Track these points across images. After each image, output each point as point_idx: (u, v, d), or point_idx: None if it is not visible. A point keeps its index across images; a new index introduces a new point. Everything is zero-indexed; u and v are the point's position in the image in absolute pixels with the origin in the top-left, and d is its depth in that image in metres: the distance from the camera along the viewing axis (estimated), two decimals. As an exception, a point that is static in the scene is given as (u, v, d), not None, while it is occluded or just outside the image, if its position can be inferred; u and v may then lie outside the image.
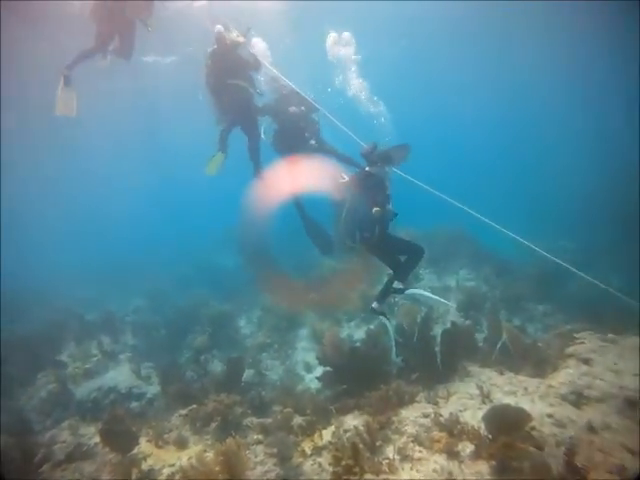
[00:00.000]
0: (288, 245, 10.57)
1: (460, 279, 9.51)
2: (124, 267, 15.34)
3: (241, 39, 6.19)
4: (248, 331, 9.02)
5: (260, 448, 4.65)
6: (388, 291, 4.95)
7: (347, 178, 4.99)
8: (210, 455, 4.57)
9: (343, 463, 3.84)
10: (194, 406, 5.56)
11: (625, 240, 11.19)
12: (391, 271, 5.14)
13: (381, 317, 5.04)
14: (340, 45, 7.05)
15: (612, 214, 12.29)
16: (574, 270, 5.06)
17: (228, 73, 6.27)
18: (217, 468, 3.89)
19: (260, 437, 4.80)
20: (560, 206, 16.57)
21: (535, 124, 28.04)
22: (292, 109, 6.43)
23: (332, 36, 7.08)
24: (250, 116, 6.63)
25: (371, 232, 4.73)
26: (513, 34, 16.96)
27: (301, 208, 6.70)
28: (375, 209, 4.58)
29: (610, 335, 5.61)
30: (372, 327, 7.18)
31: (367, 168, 5.00)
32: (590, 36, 15.98)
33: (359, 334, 7.54)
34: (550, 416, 4.25)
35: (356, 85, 6.67)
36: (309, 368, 7.03)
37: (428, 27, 16.06)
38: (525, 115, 27.74)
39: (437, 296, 5.03)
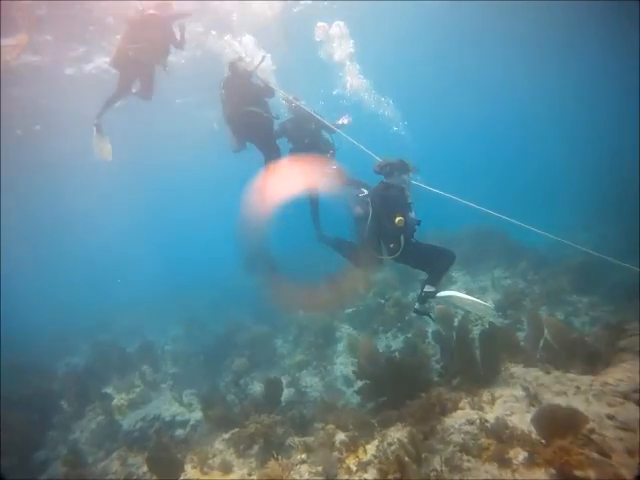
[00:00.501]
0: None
1: (495, 278, 9.22)
2: (158, 298, 15.74)
3: (251, 68, 6.34)
4: (285, 351, 9.01)
5: (304, 467, 4.56)
6: (428, 290, 4.84)
7: (367, 192, 4.97)
8: (255, 478, 4.56)
9: (390, 478, 3.73)
10: (236, 429, 5.55)
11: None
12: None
13: (425, 317, 5.06)
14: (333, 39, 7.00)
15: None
16: (613, 260, 4.85)
17: (243, 101, 6.42)
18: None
19: (304, 456, 4.72)
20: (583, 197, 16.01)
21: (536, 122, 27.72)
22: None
23: (321, 27, 7.04)
24: (268, 141, 6.75)
25: (397, 243, 4.66)
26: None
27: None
28: (398, 219, 4.52)
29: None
30: (409, 335, 7.03)
31: (385, 180, 4.96)
32: (581, 33, 15.78)
33: (397, 344, 7.38)
34: (611, 417, 3.96)
35: (358, 84, 6.62)
36: (349, 382, 6.91)
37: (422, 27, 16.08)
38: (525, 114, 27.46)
39: (473, 297, 4.80)
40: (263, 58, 6.41)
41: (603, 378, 4.57)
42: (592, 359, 4.95)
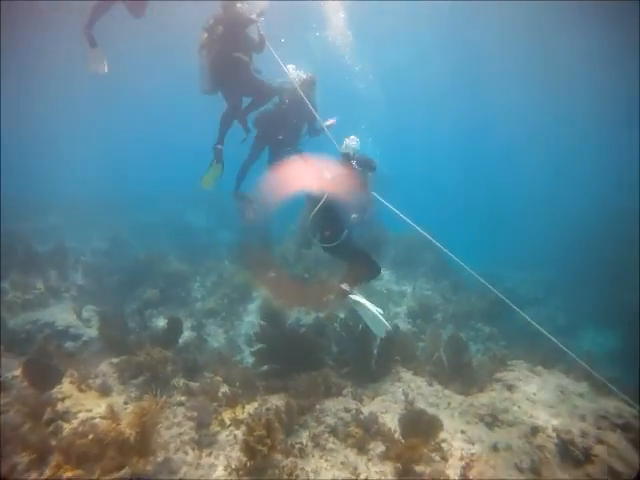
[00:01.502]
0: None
1: (417, 287, 9.68)
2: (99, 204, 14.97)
3: (255, 17, 6.06)
4: (199, 295, 8.96)
5: (181, 410, 4.64)
6: (355, 277, 4.97)
7: (330, 175, 4.92)
8: (129, 407, 4.58)
9: (256, 433, 3.89)
10: (126, 356, 5.50)
11: (591, 281, 11.77)
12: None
13: (351, 297, 4.91)
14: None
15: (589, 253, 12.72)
16: (512, 305, 5.24)
17: (235, 45, 6.18)
18: (130, 421, 3.87)
19: (183, 399, 4.79)
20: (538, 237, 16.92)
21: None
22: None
23: None
24: (245, 89, 6.58)
25: (336, 235, 4.68)
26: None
27: None
28: (354, 216, 4.57)
29: (539, 367, 5.87)
30: (321, 315, 7.25)
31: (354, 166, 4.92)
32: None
33: (307, 320, 7.58)
34: (463, 432, 4.44)
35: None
36: (250, 342, 7.02)
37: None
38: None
39: (379, 311, 4.80)
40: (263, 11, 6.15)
41: (472, 400, 5.05)
42: (470, 383, 5.44)
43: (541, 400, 5.07)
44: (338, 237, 4.70)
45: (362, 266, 4.96)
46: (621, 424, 4.47)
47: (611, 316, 10.77)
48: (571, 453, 4.12)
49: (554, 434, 4.37)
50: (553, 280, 13.15)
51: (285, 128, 6.38)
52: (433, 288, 9.72)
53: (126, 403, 4.77)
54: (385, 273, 9.68)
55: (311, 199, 4.90)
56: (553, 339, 5.24)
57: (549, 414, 4.78)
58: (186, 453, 4.08)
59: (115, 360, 5.60)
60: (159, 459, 3.92)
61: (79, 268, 9.61)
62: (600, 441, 4.23)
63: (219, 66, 6.25)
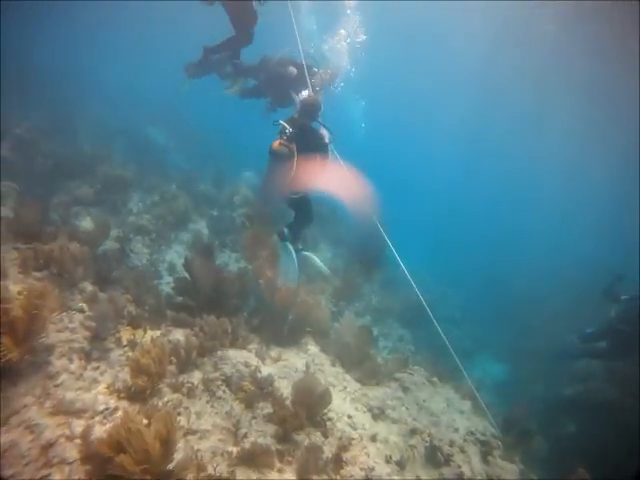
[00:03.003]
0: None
1: (350, 269, 9.75)
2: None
3: None
4: (135, 209, 8.45)
5: (79, 317, 4.38)
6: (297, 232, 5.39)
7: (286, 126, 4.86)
8: (21, 295, 4.24)
9: (148, 359, 3.77)
10: (36, 244, 5.07)
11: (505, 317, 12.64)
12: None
13: (286, 243, 5.40)
14: None
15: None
16: (430, 313, 5.54)
17: None
18: (19, 311, 3.59)
19: (85, 307, 4.52)
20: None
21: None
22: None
23: None
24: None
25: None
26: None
27: None
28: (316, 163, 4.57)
29: (435, 378, 6.21)
30: (250, 267, 7.14)
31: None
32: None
33: (234, 266, 7.43)
34: (350, 417, 4.58)
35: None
36: (172, 271, 6.77)
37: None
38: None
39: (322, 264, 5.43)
40: None
41: (366, 391, 5.23)
42: (371, 375, 5.62)
43: (427, 407, 5.38)
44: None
45: (308, 217, 5.41)
46: (482, 440, 5.02)
47: (508, 353, 11.69)
48: (436, 457, 4.47)
49: (428, 438, 4.66)
50: (474, 306, 13.94)
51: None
52: (366, 280, 9.86)
53: (19, 294, 4.42)
54: (323, 247, 9.67)
55: (282, 157, 4.82)
56: (455, 358, 5.67)
57: (430, 421, 5.09)
58: (71, 361, 3.87)
59: (22, 246, 5.16)
60: (39, 359, 3.69)
61: (8, 139, 8.67)
62: (462, 450, 4.70)
63: None
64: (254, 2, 6.80)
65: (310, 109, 5.10)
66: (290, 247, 5.25)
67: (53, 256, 4.82)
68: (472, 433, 5.18)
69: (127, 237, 7.29)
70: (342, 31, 6.53)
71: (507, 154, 29.16)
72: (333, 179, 4.95)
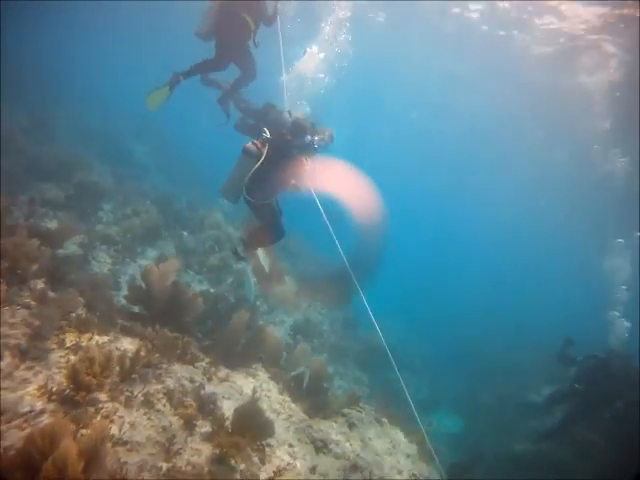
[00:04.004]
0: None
1: (313, 305, 9.75)
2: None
3: None
4: (105, 218, 8.35)
5: (24, 313, 4.23)
6: (253, 242, 5.32)
7: (270, 136, 4.92)
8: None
9: (88, 364, 3.66)
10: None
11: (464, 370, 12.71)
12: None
13: (243, 262, 5.56)
14: None
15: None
16: (390, 357, 5.46)
17: (247, 6, 6.11)
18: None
19: (33, 304, 4.38)
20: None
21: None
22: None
23: None
24: (235, 55, 6.52)
25: (265, 195, 4.82)
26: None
27: None
28: (293, 182, 4.65)
29: (384, 419, 6.15)
30: (212, 290, 7.09)
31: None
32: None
33: (200, 286, 7.36)
34: (291, 446, 4.51)
35: None
36: (133, 282, 6.62)
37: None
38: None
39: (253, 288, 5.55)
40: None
41: (312, 423, 5.14)
42: (318, 407, 5.52)
43: (372, 446, 5.31)
44: (266, 199, 4.86)
45: (268, 229, 5.18)
46: None
47: (463, 406, 11.67)
48: (374, 497, 4.36)
49: (369, 476, 4.58)
50: (434, 356, 13.98)
51: None
52: (326, 314, 9.86)
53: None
54: (287, 279, 9.66)
55: (249, 153, 4.89)
56: (409, 399, 5.58)
57: (373, 460, 5.01)
58: (3, 358, 3.70)
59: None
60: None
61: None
62: None
63: (223, 18, 6.14)
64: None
65: (298, 128, 5.11)
66: (246, 267, 5.29)
67: (8, 250, 4.70)
68: (415, 476, 5.12)
69: (92, 245, 7.15)
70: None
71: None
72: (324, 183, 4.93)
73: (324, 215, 4.69)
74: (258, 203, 4.84)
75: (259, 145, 4.82)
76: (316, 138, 4.95)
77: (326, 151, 5.32)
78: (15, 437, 2.99)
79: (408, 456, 5.62)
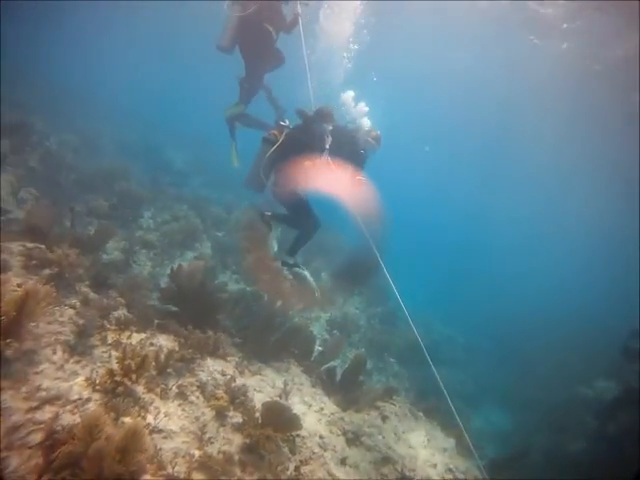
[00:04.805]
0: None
1: (349, 301, 9.79)
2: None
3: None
4: (145, 224, 8.81)
5: (70, 312, 4.57)
6: (296, 246, 5.35)
7: (288, 123, 5.06)
8: (17, 293, 4.48)
9: (126, 362, 3.91)
10: (41, 246, 5.37)
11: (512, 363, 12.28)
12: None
13: (295, 269, 5.41)
14: None
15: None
16: (427, 357, 5.36)
17: (268, 15, 6.24)
18: (11, 299, 3.81)
19: (78, 304, 4.73)
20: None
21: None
22: None
23: None
24: (259, 62, 6.64)
25: (281, 183, 4.97)
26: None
27: None
28: (307, 162, 4.70)
29: (420, 413, 6.09)
30: (249, 289, 7.29)
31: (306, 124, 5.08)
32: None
33: (232, 287, 7.58)
34: (322, 437, 4.58)
35: None
36: (171, 285, 6.97)
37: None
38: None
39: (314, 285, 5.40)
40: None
41: (344, 415, 5.19)
42: (352, 401, 5.58)
43: (406, 439, 5.29)
44: (285, 186, 4.94)
45: (305, 220, 5.23)
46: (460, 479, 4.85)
47: (513, 402, 11.27)
48: (405, 490, 4.35)
49: (401, 469, 4.57)
50: (478, 348, 13.61)
51: None
52: (364, 309, 9.87)
53: (19, 286, 4.67)
54: (323, 275, 9.74)
55: (267, 141, 5.05)
56: (446, 395, 5.46)
57: (405, 452, 4.99)
58: (54, 352, 4.03)
59: (30, 245, 5.46)
60: (24, 347, 3.87)
61: (38, 150, 9.27)
62: None
63: (245, 29, 6.25)
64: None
65: (323, 115, 5.04)
66: (296, 270, 5.35)
67: (55, 258, 5.10)
68: (451, 470, 5.04)
69: (132, 250, 7.58)
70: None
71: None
72: (332, 181, 4.92)
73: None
74: (278, 190, 4.95)
75: (277, 133, 4.95)
76: (364, 138, 5.11)
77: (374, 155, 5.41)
78: (68, 419, 3.33)
79: (445, 450, 5.53)
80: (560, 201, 25.98)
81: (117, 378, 3.87)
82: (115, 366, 3.95)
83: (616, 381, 9.84)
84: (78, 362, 4.08)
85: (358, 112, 5.28)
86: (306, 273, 5.43)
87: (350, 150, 5.24)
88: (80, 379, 3.89)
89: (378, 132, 5.36)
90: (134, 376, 3.96)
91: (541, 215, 28.25)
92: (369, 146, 5.31)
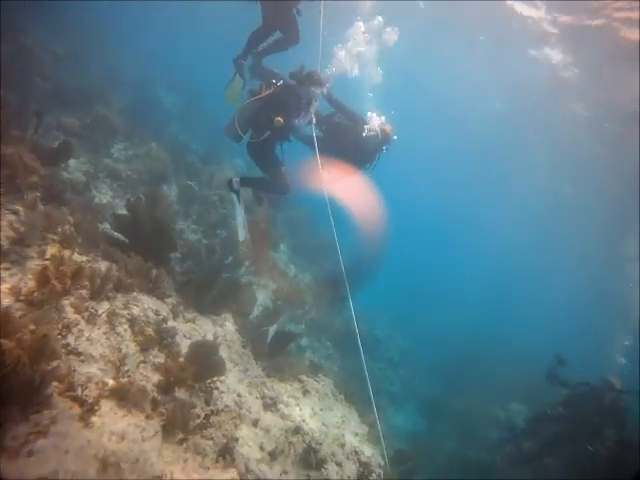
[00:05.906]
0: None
1: (298, 277, 9.87)
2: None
3: None
4: (116, 155, 8.38)
5: (11, 218, 4.38)
6: (251, 182, 5.47)
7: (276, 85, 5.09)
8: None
9: (60, 273, 3.81)
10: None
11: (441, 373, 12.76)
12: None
13: (233, 194, 5.42)
14: None
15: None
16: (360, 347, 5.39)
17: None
18: None
19: (22, 211, 4.53)
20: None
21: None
22: None
23: None
24: (279, 21, 6.57)
25: (259, 133, 4.97)
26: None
27: None
28: (277, 119, 4.70)
29: (342, 396, 6.29)
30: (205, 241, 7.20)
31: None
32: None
33: (188, 237, 7.48)
34: (240, 395, 4.63)
35: None
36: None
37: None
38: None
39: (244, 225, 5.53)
40: None
41: (267, 380, 5.28)
42: (277, 368, 5.67)
43: (322, 416, 5.43)
44: (261, 134, 4.95)
45: (274, 180, 5.25)
46: (364, 462, 5.11)
47: (432, 410, 11.76)
48: (309, 460, 4.51)
49: (309, 441, 4.70)
50: (415, 354, 14.04)
51: None
52: (314, 289, 9.87)
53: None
54: (282, 247, 9.76)
55: (251, 91, 5.19)
56: (369, 383, 5.62)
57: (318, 428, 5.13)
58: (-19, 253, 3.88)
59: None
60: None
61: (11, 45, 8.64)
62: (338, 464, 4.79)
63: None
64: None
65: (312, 79, 5.05)
66: (235, 198, 5.37)
67: (9, 158, 4.86)
68: (357, 453, 5.23)
69: (96, 176, 7.32)
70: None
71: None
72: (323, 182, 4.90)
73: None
74: (253, 141, 4.94)
75: (263, 88, 4.94)
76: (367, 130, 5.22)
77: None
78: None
79: (356, 435, 5.71)
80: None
81: (45, 290, 3.75)
82: (44, 278, 3.80)
83: (528, 405, 10.64)
84: (7, 269, 3.94)
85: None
86: (240, 207, 5.48)
87: (354, 141, 5.32)
88: (5, 286, 3.75)
89: (389, 126, 5.44)
90: (68, 282, 3.85)
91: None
92: (372, 135, 5.36)
